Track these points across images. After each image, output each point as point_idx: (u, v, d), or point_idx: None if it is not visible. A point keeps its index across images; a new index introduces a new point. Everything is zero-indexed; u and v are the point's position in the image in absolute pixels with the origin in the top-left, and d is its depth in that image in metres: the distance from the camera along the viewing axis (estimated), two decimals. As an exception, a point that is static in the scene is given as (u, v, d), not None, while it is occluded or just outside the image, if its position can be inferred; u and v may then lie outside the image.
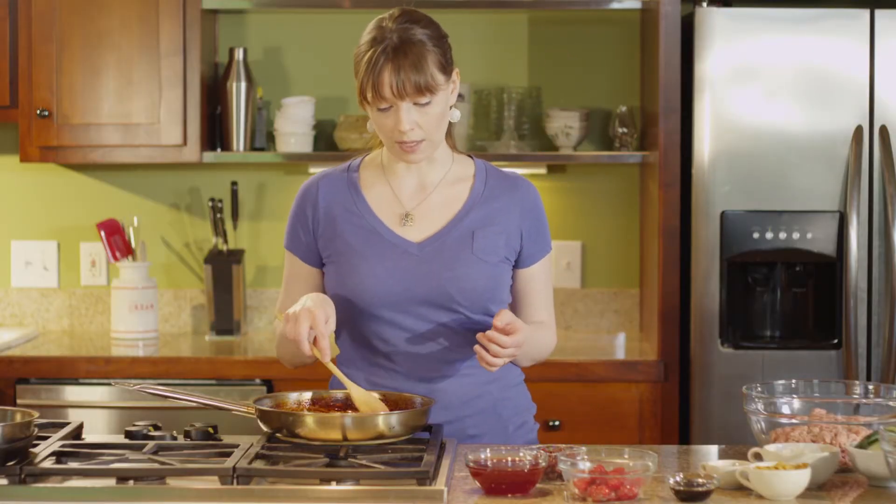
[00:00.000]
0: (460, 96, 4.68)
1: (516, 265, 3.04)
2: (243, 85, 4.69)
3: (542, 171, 4.78)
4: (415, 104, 2.84)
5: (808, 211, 4.21)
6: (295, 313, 2.78)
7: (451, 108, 2.94)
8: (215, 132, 4.75)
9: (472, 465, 2.55)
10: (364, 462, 2.59)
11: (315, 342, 2.78)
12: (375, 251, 2.95)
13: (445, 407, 2.96)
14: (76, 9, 4.51)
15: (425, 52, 2.84)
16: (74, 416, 4.23)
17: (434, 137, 2.91)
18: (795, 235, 4.22)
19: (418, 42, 2.84)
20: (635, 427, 4.28)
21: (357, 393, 2.84)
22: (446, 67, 2.88)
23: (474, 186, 3.01)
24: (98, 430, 4.26)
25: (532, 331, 2.98)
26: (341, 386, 2.97)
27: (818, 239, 4.22)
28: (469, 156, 3.07)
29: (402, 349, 2.96)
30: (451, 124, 2.98)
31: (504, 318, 2.83)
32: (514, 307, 3.09)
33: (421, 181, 3.00)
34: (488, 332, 2.82)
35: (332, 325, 2.81)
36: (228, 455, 2.67)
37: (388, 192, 3.00)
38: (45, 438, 2.79)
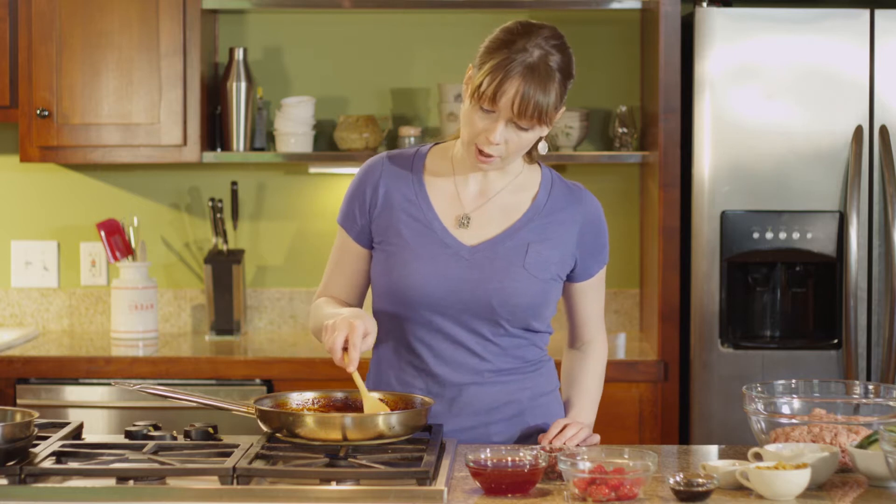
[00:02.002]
0: (457, 96, 4.69)
1: (570, 279, 3.01)
2: (243, 85, 4.69)
3: (542, 171, 4.78)
4: (516, 125, 2.80)
5: (808, 211, 4.22)
6: (334, 323, 2.76)
7: (541, 138, 2.91)
8: (215, 132, 4.75)
9: (472, 465, 2.55)
10: (364, 462, 2.59)
11: (346, 350, 2.76)
12: (427, 249, 2.91)
13: (471, 413, 2.95)
14: (76, 9, 4.51)
15: (554, 84, 2.79)
16: (74, 416, 4.23)
17: (511, 158, 2.88)
18: (795, 235, 4.22)
19: (553, 72, 2.78)
20: (635, 427, 4.28)
21: (368, 404, 2.82)
22: (559, 106, 2.82)
23: (537, 197, 2.97)
24: (98, 430, 4.26)
25: (585, 387, 3.08)
26: (376, 387, 2.99)
27: (818, 239, 4.22)
28: (538, 163, 3.02)
29: (435, 351, 2.94)
30: (534, 146, 2.93)
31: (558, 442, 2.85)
32: (568, 318, 3.09)
33: (486, 185, 2.96)
34: (553, 442, 2.86)
35: (371, 342, 2.78)
36: (228, 455, 2.66)
37: (451, 189, 2.96)
38: (45, 438, 2.79)
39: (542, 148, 2.93)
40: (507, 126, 2.80)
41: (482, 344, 2.93)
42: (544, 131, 2.85)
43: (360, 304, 3.03)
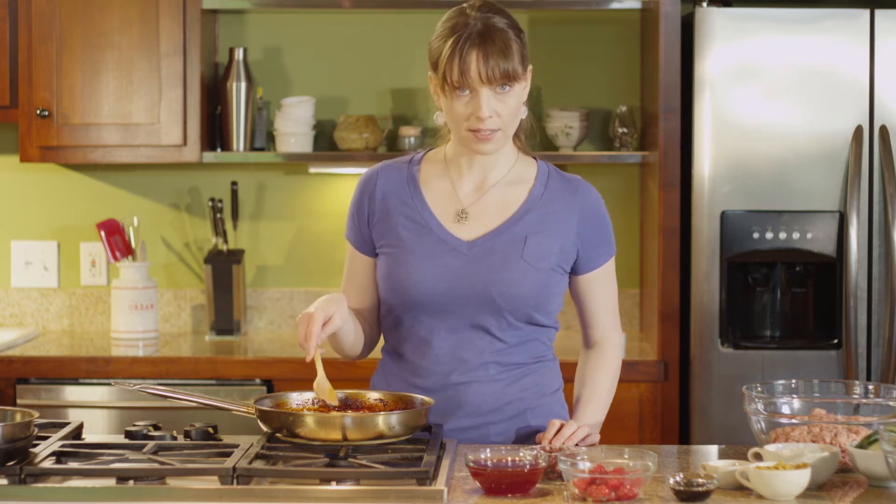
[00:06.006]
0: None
1: (575, 272, 3.00)
2: (243, 85, 4.69)
3: (542, 171, 4.78)
4: (496, 92, 2.83)
5: (808, 211, 4.22)
6: (301, 317, 2.78)
7: (524, 106, 2.94)
8: (215, 132, 4.75)
9: (472, 465, 2.55)
10: (364, 462, 2.59)
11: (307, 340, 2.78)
12: (424, 247, 2.93)
13: (473, 412, 2.94)
14: (76, 9, 4.51)
15: (510, 41, 2.85)
16: (74, 416, 4.23)
17: (508, 129, 2.89)
18: (795, 235, 4.22)
19: (502, 30, 2.86)
20: (635, 427, 4.28)
21: (323, 390, 2.84)
22: (525, 60, 2.88)
23: (533, 189, 2.98)
24: (98, 430, 4.26)
25: (595, 386, 3.03)
26: (380, 386, 3.00)
27: (818, 239, 4.22)
28: (534, 157, 3.03)
29: (439, 348, 2.94)
30: (520, 124, 2.96)
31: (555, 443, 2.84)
32: (579, 316, 3.07)
33: (482, 179, 2.97)
34: (553, 442, 2.84)
35: (334, 326, 2.79)
36: (228, 455, 2.67)
37: (447, 187, 2.98)
38: (45, 438, 2.79)
39: (523, 112, 2.94)
40: (489, 97, 2.83)
41: (487, 339, 2.93)
42: (523, 91, 2.89)
43: (375, 312, 3.05)
